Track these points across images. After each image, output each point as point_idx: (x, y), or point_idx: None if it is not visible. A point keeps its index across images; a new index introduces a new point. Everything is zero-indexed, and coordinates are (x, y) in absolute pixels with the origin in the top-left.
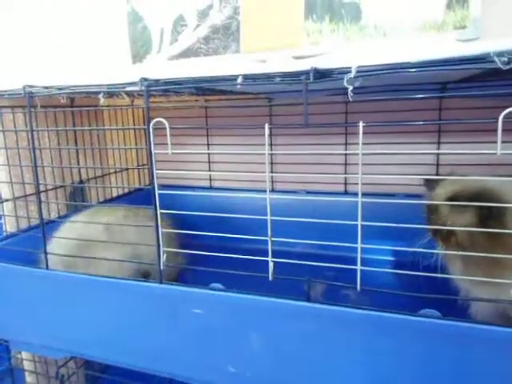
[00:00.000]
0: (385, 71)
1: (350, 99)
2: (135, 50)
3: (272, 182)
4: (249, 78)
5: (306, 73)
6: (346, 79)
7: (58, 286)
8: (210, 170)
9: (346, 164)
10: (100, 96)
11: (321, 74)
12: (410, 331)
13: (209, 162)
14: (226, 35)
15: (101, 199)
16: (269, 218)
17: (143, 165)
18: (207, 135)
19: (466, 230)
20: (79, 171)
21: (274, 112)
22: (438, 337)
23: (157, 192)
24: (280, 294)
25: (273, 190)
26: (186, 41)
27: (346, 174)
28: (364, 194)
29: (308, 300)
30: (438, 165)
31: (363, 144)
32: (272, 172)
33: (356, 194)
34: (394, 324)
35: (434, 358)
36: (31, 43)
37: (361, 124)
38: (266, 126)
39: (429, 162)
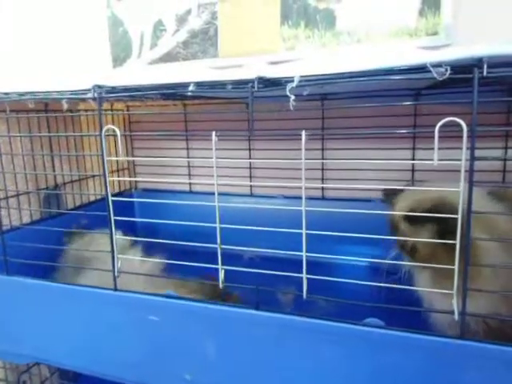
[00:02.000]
0: (326, 81)
1: (291, 108)
2: (115, 54)
3: (251, 186)
4: (201, 85)
5: (252, 81)
6: (288, 89)
7: (17, 292)
8: (189, 175)
9: (322, 169)
10: (63, 102)
11: (271, 83)
12: (353, 339)
13: (188, 166)
14: (204, 40)
15: (77, 204)
16: (218, 225)
17: (123, 169)
18: (186, 139)
19: (427, 246)
20: (54, 175)
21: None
22: (380, 345)
23: (110, 199)
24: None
25: (251, 195)
26: (165, 45)
27: (322, 179)
28: (340, 200)
29: (257, 308)
30: (413, 170)
31: (338, 149)
32: (251, 177)
33: (332, 200)
34: (336, 332)
35: (379, 366)
36: (10, 48)
37: (303, 133)
38: (213, 133)
39: (404, 168)
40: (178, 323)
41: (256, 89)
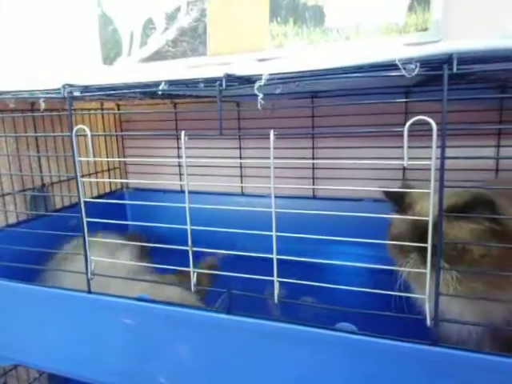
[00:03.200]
0: (294, 79)
1: (259, 107)
2: (106, 52)
3: (242, 186)
4: (173, 83)
5: (220, 79)
6: (256, 86)
7: None
8: (180, 174)
9: (313, 168)
10: (41, 101)
11: (244, 80)
12: (325, 344)
13: (179, 165)
14: (193, 38)
15: (66, 204)
16: (189, 227)
17: (114, 169)
18: (177, 138)
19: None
20: (41, 176)
21: (242, 116)
22: (352, 350)
23: (82, 199)
24: None
25: (242, 194)
26: (154, 44)
27: (313, 178)
28: (331, 199)
29: (228, 312)
30: (404, 169)
31: (328, 148)
32: (241, 176)
33: (323, 199)
34: (307, 337)
35: (351, 372)
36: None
37: (272, 132)
38: (183, 133)
39: (396, 167)
40: (152, 326)
41: (224, 87)
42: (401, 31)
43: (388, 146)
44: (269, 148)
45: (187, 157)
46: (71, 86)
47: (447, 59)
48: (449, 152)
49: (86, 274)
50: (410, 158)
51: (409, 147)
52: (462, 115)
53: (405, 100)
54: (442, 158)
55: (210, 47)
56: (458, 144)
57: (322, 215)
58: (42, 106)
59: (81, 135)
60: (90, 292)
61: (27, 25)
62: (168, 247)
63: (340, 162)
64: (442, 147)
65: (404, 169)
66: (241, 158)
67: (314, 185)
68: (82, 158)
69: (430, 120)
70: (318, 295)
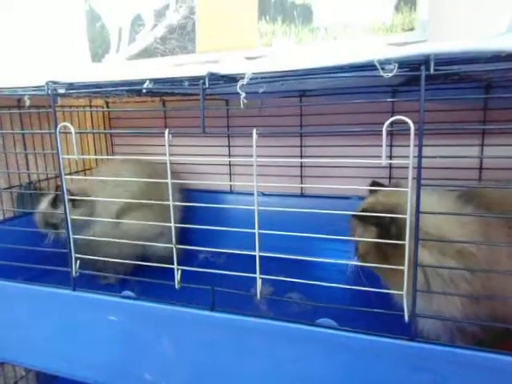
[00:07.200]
0: (278, 78)
1: (242, 106)
2: (94, 49)
3: (230, 184)
4: (157, 81)
5: (203, 78)
6: (238, 85)
7: None
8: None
9: (301, 166)
10: (26, 98)
11: (228, 79)
12: (305, 339)
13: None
14: (182, 35)
15: None
16: (172, 225)
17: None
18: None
19: (365, 245)
20: (28, 173)
21: (232, 114)
22: (332, 346)
23: (66, 197)
24: None
25: (231, 192)
26: (143, 41)
27: (301, 176)
28: (318, 197)
29: (212, 309)
30: (390, 168)
31: (317, 146)
32: (230, 174)
33: (311, 197)
34: (289, 332)
35: (330, 367)
36: None
37: (254, 131)
38: (166, 131)
39: (382, 165)
40: (136, 323)
41: (207, 85)
42: (387, 31)
43: (375, 144)
44: (258, 146)
45: (174, 154)
46: (55, 83)
47: (425, 60)
48: (432, 151)
49: (71, 271)
50: (395, 157)
51: (395, 146)
52: (446, 114)
53: (385, 100)
54: (419, 156)
55: (199, 45)
56: (443, 143)
57: (309, 212)
58: (27, 102)
59: (65, 133)
60: (74, 289)
61: (14, 22)
62: (152, 244)
63: (327, 161)
64: (419, 146)
65: (390, 167)
66: (229, 155)
67: (302, 183)
68: (66, 156)
69: (408, 119)
70: (305, 291)
